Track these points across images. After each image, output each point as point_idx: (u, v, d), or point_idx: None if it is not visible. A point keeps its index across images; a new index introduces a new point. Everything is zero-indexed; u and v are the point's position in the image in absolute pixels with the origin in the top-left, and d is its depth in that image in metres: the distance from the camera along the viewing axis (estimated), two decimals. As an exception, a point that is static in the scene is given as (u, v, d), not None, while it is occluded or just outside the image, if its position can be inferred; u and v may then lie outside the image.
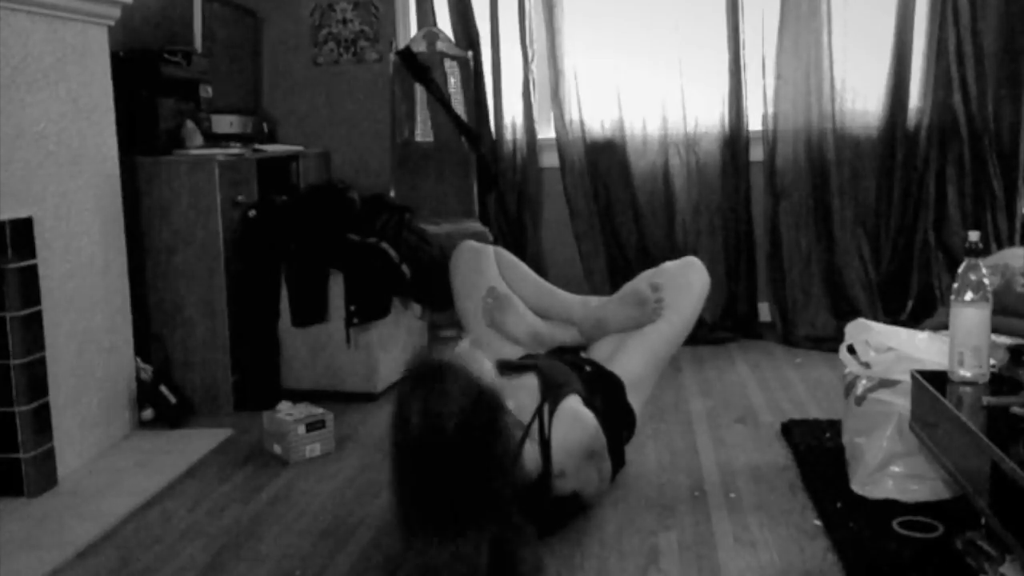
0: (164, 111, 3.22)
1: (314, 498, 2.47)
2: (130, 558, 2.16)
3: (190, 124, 3.30)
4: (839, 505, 2.22)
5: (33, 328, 2.53)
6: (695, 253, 4.13)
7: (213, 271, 3.15)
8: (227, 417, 3.15)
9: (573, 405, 2.16)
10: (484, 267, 2.71)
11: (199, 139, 3.31)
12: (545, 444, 2.06)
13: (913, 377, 2.11)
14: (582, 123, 4.15)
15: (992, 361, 2.00)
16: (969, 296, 1.95)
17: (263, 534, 2.26)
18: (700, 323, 4.11)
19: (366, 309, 3.27)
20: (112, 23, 2.93)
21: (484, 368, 1.90)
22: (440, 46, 4.09)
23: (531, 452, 2.03)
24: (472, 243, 2.80)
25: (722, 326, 4.11)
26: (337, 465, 2.71)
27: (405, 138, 4.15)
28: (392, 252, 3.26)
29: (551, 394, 2.15)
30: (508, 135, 4.22)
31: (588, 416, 2.16)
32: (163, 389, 3.09)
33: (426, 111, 4.12)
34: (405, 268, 3.28)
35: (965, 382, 1.97)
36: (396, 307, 3.37)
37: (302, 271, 3.29)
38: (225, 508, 2.43)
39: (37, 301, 2.54)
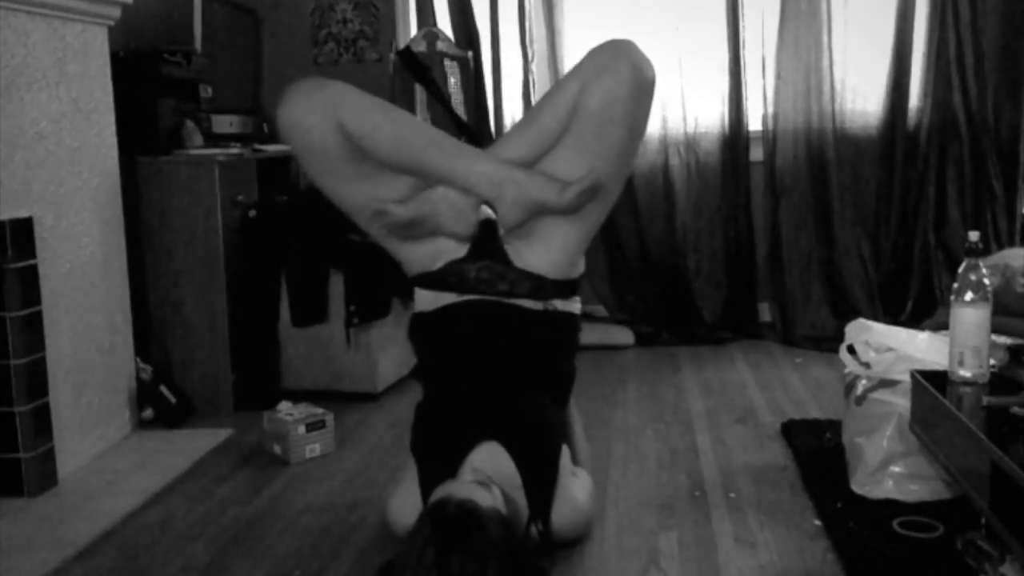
0: (164, 111, 3.22)
1: (314, 498, 2.47)
2: (130, 558, 2.16)
3: (190, 124, 3.30)
4: (839, 505, 2.22)
5: (33, 328, 2.53)
6: (695, 253, 4.15)
7: (213, 271, 3.15)
8: (227, 417, 3.15)
9: (567, 507, 2.04)
10: (337, 147, 2.07)
11: (199, 139, 3.31)
12: (546, 535, 2.02)
13: (913, 377, 2.11)
14: (582, 123, 4.14)
15: (992, 361, 2.00)
16: (969, 296, 1.95)
17: (263, 534, 2.26)
18: (700, 323, 4.16)
19: (366, 309, 3.27)
20: (112, 23, 2.93)
21: (495, 498, 1.85)
22: (440, 46, 4.09)
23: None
24: (300, 92, 2.10)
25: (722, 326, 4.11)
26: (337, 465, 2.70)
27: (405, 138, 4.15)
28: (392, 252, 3.26)
29: (538, 496, 2.00)
30: (508, 135, 4.22)
31: (584, 504, 2.10)
32: (163, 389, 3.09)
33: (426, 111, 4.12)
34: (405, 268, 3.28)
35: (965, 382, 1.97)
36: (396, 307, 3.37)
37: (302, 271, 3.29)
38: (225, 508, 2.43)
39: (37, 301, 2.54)
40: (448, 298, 2.16)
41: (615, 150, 2.05)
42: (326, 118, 2.04)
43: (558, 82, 2.16)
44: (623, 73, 1.98)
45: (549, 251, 2.13)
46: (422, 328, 2.22)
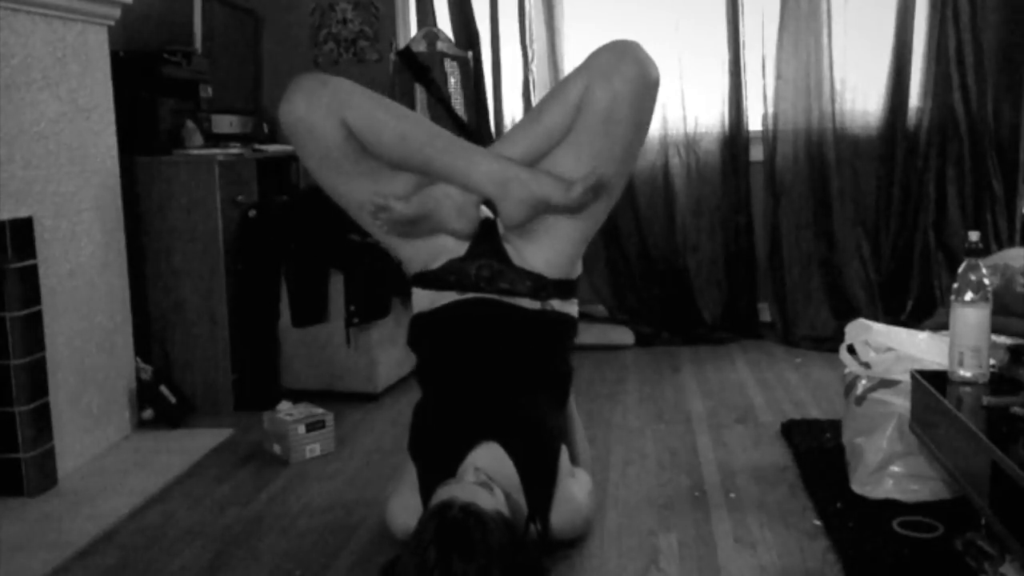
0: (164, 111, 3.22)
1: (314, 498, 2.47)
2: (130, 558, 2.16)
3: (190, 124, 3.30)
4: (839, 505, 2.22)
5: (33, 328, 2.53)
6: (695, 253, 4.15)
7: (213, 271, 3.15)
8: (227, 417, 3.15)
9: (566, 506, 2.03)
10: (338, 144, 2.07)
11: (199, 139, 3.31)
12: (544, 534, 2.01)
13: (913, 377, 2.11)
14: (582, 123, 4.14)
15: (992, 361, 2.00)
16: (969, 296, 1.95)
17: (263, 534, 2.26)
18: (700, 323, 4.16)
19: (366, 309, 3.27)
20: (112, 23, 2.93)
21: (496, 500, 1.83)
22: (440, 46, 4.09)
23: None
24: (304, 89, 2.07)
25: (722, 326, 4.11)
26: (337, 465, 2.71)
27: (405, 138, 4.15)
28: (392, 252, 3.26)
29: (537, 496, 2.00)
30: (508, 135, 4.22)
31: (583, 504, 2.09)
32: (163, 389, 3.09)
33: (426, 111, 4.12)
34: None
35: (965, 382, 1.97)
36: (396, 307, 3.37)
37: (302, 271, 3.29)
38: (225, 508, 2.43)
39: (37, 301, 2.54)
40: (447, 297, 2.16)
41: (620, 149, 2.05)
42: (330, 115, 2.03)
43: (561, 81, 2.15)
44: (629, 73, 1.99)
45: (549, 250, 2.13)
46: (421, 330, 2.22)
